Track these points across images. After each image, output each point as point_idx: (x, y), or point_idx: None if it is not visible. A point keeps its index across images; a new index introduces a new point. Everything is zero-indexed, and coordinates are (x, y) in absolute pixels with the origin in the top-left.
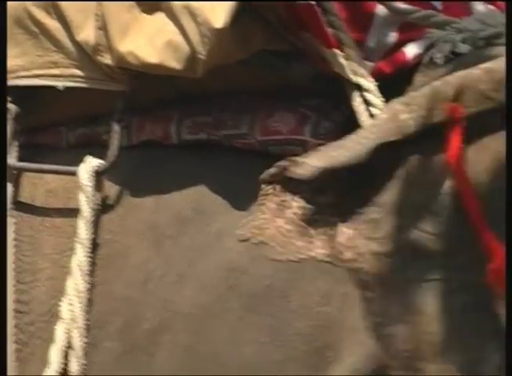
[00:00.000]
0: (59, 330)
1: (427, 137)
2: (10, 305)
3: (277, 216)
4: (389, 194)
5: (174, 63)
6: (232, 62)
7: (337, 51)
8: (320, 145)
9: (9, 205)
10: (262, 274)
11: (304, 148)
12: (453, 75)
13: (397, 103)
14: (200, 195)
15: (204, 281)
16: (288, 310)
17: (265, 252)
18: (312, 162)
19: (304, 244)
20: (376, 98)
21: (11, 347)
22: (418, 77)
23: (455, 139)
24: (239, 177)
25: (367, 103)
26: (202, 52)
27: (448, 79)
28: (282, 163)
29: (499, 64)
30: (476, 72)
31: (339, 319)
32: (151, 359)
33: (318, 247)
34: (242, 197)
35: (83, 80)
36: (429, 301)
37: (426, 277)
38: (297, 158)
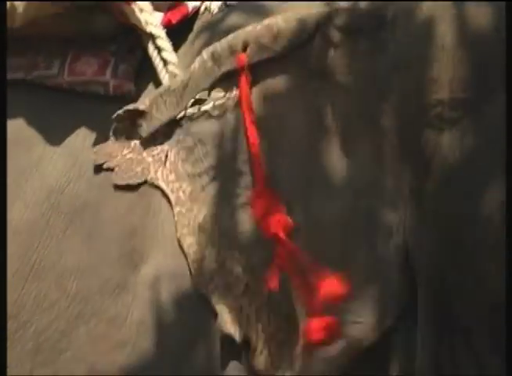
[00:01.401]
0: None
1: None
2: None
3: (124, 146)
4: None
5: None
6: (47, 15)
7: (134, 5)
8: (118, 85)
9: None
10: (77, 193)
11: (105, 87)
12: (242, 30)
13: (204, 54)
14: (19, 128)
15: (29, 201)
16: (101, 221)
17: (112, 177)
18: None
19: (141, 170)
20: (165, 43)
21: None
22: (197, 24)
23: (243, 83)
24: (52, 112)
25: (158, 48)
26: (19, 7)
27: (238, 34)
28: (129, 109)
29: (275, 20)
30: (259, 27)
31: (142, 226)
32: None
33: (152, 172)
34: (54, 130)
35: None
36: None
37: None
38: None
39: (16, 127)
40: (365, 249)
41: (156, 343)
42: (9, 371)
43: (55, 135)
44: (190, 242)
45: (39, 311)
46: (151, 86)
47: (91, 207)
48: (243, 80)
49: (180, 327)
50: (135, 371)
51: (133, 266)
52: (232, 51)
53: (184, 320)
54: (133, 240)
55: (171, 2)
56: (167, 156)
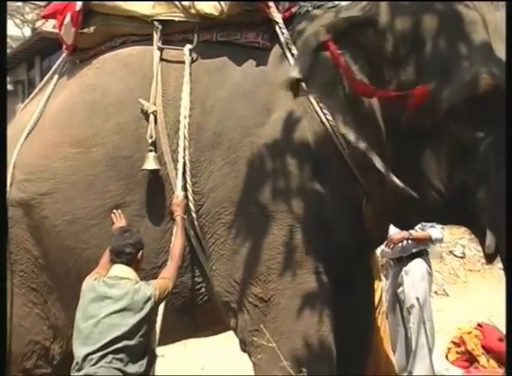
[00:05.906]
0: None
1: None
2: None
3: None
4: None
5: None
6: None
7: (270, 8)
8: (265, 43)
9: None
10: (247, 87)
11: (258, 44)
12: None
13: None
14: (218, 65)
15: (227, 87)
16: (256, 98)
17: None
18: None
19: None
20: (282, 25)
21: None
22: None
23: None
24: (235, 54)
25: (279, 27)
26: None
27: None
28: None
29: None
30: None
31: (274, 93)
32: None
33: None
34: (236, 62)
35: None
36: None
37: None
38: None
39: (217, 63)
40: None
41: None
42: None
43: (235, 64)
44: None
45: None
46: (277, 45)
47: (251, 93)
48: None
49: None
50: None
51: (268, 113)
52: None
53: None
54: (269, 95)
55: (287, 4)
56: None
